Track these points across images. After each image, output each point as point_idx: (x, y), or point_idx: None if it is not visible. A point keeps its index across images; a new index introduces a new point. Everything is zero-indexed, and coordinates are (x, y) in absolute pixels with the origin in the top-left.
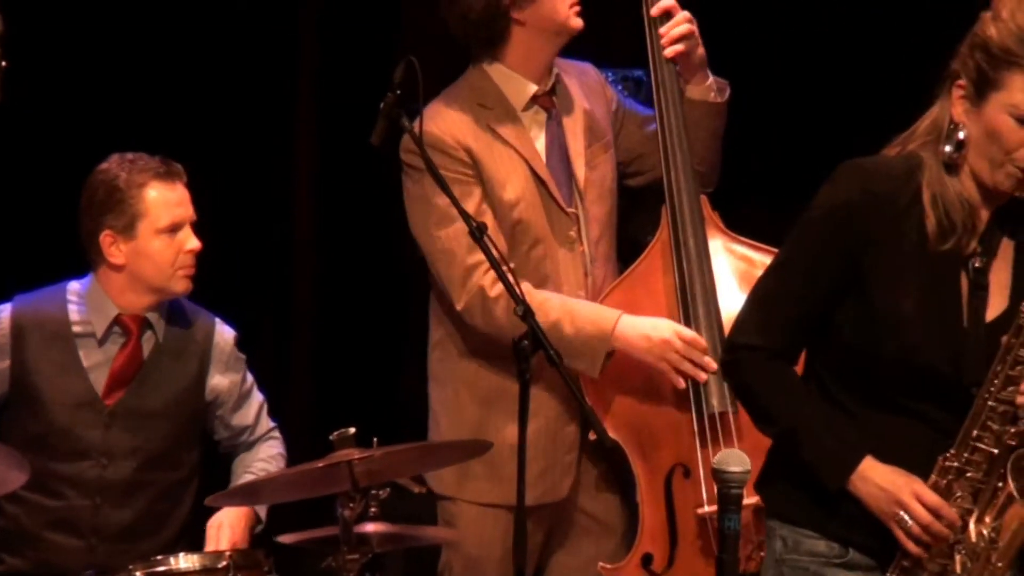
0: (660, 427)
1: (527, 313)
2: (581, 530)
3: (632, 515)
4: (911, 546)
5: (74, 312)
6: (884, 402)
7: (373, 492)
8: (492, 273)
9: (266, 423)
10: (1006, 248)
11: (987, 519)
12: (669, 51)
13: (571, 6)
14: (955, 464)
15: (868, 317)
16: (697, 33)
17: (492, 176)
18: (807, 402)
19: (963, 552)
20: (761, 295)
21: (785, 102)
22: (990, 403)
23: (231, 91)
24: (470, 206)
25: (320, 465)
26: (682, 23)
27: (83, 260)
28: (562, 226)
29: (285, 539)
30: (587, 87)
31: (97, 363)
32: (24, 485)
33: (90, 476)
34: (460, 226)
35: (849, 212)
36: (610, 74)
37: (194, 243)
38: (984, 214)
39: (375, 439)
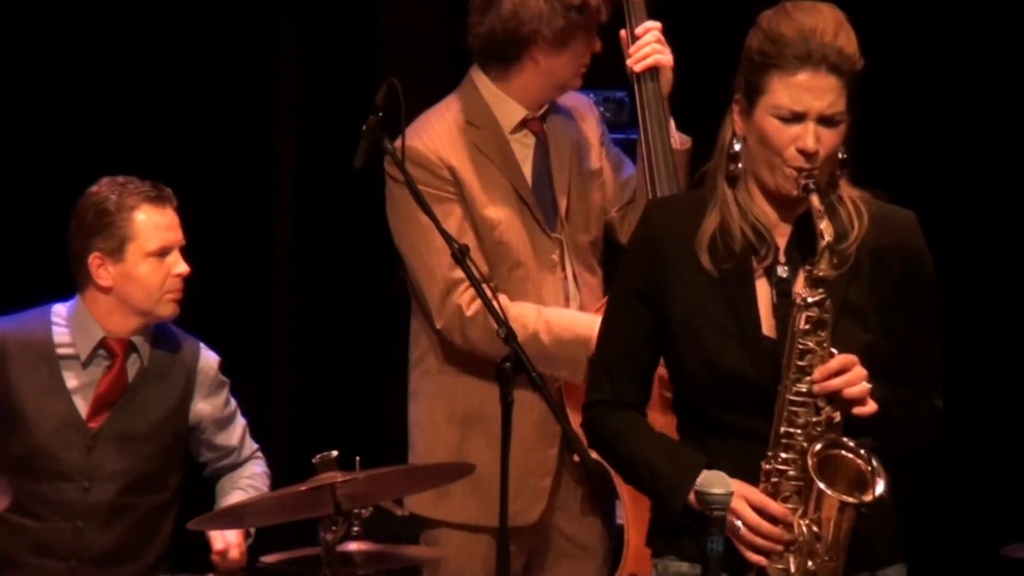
0: None
1: (509, 336)
2: (563, 553)
3: (613, 539)
4: (750, 554)
5: (59, 334)
6: (717, 425)
7: (356, 514)
8: (471, 291)
9: (250, 445)
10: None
11: (809, 512)
12: (639, 66)
13: (583, 68)
14: (775, 465)
15: (676, 346)
16: (670, 60)
17: (475, 195)
18: (644, 438)
19: (794, 551)
20: (596, 349)
21: None
22: (789, 398)
23: (211, 115)
24: (451, 224)
25: (303, 488)
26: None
27: (68, 283)
28: (544, 250)
29: (268, 559)
30: (579, 117)
31: (81, 385)
32: (6, 508)
33: (72, 499)
34: (442, 243)
35: (642, 249)
36: (592, 95)
37: (182, 267)
38: (784, 224)
39: (358, 459)
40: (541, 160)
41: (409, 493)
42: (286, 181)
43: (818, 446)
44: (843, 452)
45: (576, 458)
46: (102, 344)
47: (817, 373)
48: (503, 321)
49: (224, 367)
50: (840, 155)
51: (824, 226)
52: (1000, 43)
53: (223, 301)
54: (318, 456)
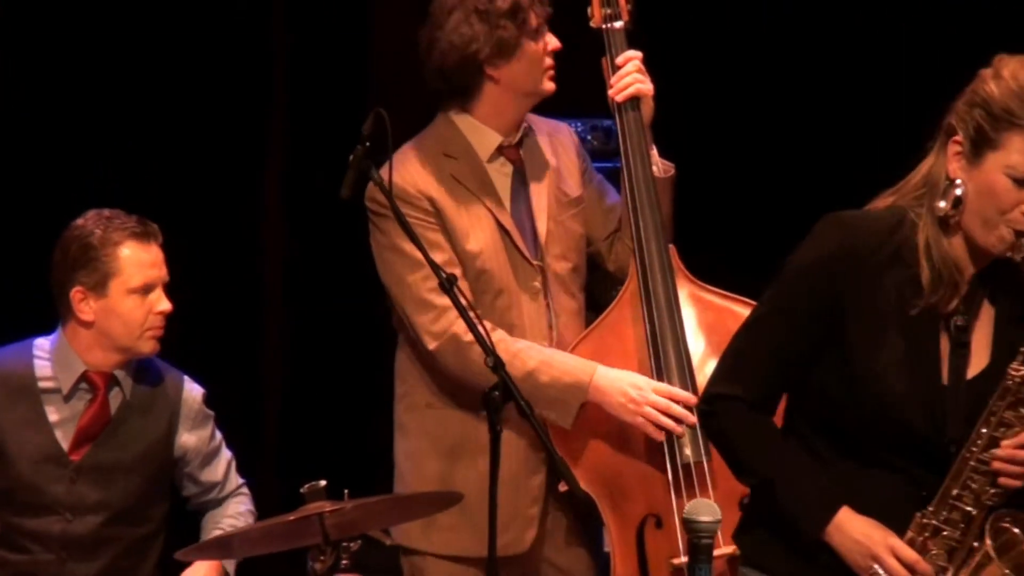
0: (631, 477)
1: (498, 364)
2: None
3: (600, 567)
4: None
5: (41, 368)
6: (862, 455)
7: (344, 544)
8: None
9: (235, 480)
10: (987, 308)
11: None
12: (620, 96)
13: (546, 69)
14: (933, 521)
15: (846, 372)
16: (650, 89)
17: (456, 226)
18: (785, 452)
19: None
20: (740, 346)
21: (752, 154)
22: (971, 463)
23: (201, 145)
24: (438, 256)
25: (291, 518)
26: (635, 73)
27: (52, 316)
28: (526, 276)
29: None
30: (559, 145)
31: (63, 419)
32: None
33: (55, 531)
34: (428, 270)
35: (828, 268)
36: (579, 124)
37: (165, 305)
38: (968, 273)
39: (346, 492)
40: (519, 187)
41: (398, 522)
42: (275, 210)
43: (1002, 515)
44: (1016, 528)
45: (562, 488)
46: (84, 378)
47: (1008, 442)
48: (491, 350)
49: (209, 399)
50: None
51: None
52: None
53: (212, 332)
54: (306, 486)
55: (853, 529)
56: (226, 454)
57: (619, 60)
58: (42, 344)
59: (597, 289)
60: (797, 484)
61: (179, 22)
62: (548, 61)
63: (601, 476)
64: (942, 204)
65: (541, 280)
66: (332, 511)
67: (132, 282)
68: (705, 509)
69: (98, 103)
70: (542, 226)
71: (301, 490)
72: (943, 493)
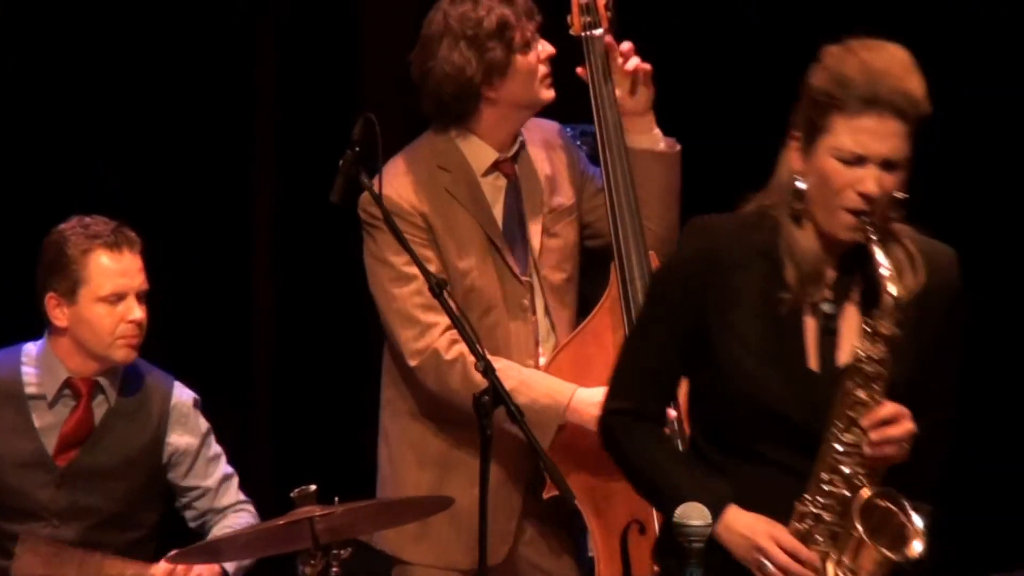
0: (613, 485)
1: (488, 369)
2: None
3: (584, 572)
4: None
5: (27, 374)
6: (746, 453)
7: (335, 552)
8: (448, 336)
9: (235, 494)
10: (855, 295)
11: (845, 560)
12: (629, 65)
13: (543, 77)
14: (811, 509)
15: (716, 369)
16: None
17: (446, 242)
18: (672, 460)
19: None
20: (621, 359)
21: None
22: (835, 445)
23: (189, 149)
24: (430, 269)
25: (281, 522)
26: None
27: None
28: (515, 294)
29: None
30: (551, 148)
31: (49, 425)
32: None
33: (42, 537)
34: (416, 286)
35: (688, 271)
36: (568, 129)
37: (136, 314)
38: (831, 262)
39: (336, 499)
40: (513, 202)
41: (387, 527)
42: (265, 216)
43: (866, 495)
44: (887, 504)
45: (546, 495)
46: (67, 384)
47: (866, 420)
48: (480, 354)
49: (202, 405)
50: (897, 195)
51: (890, 279)
52: None
53: (202, 336)
54: (296, 490)
55: (739, 525)
56: (224, 468)
57: (624, 48)
58: (29, 350)
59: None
60: (684, 489)
61: (167, 25)
62: (543, 70)
63: (584, 483)
64: (790, 200)
65: (530, 298)
66: (323, 515)
67: (101, 291)
68: (695, 513)
69: (88, 107)
70: (536, 240)
71: (291, 494)
72: (814, 479)
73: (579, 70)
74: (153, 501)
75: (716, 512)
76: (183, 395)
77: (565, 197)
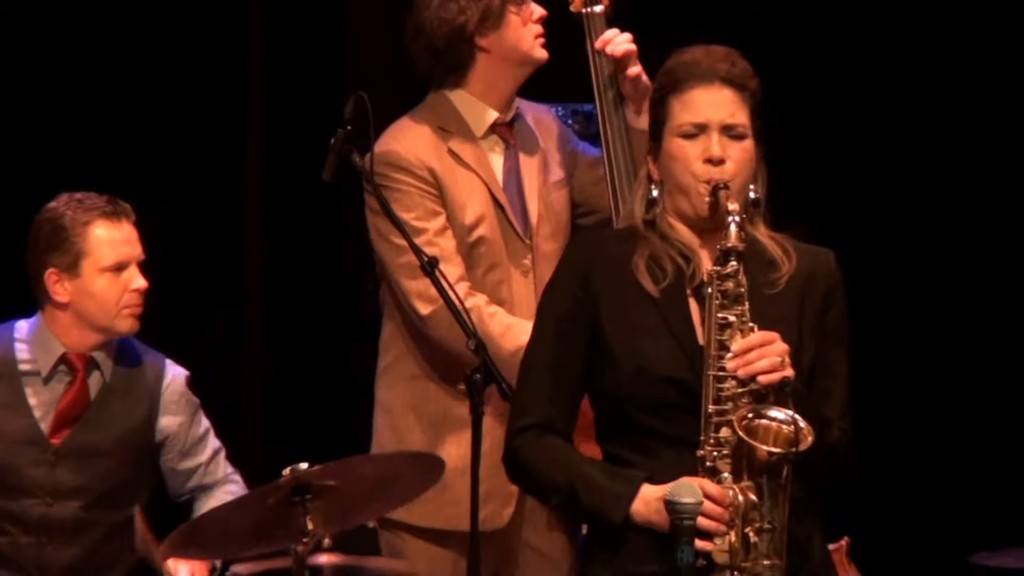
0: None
1: (480, 347)
2: (528, 566)
3: (578, 550)
4: (699, 542)
5: (20, 351)
6: (656, 440)
7: None
8: (462, 287)
9: (223, 468)
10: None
11: (744, 479)
12: (611, 50)
13: (536, 36)
14: (709, 450)
15: (611, 355)
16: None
17: (453, 198)
18: (580, 461)
19: (735, 525)
20: (520, 377)
21: None
22: (712, 374)
23: (180, 126)
24: (434, 223)
25: (271, 501)
26: (628, 43)
27: (32, 299)
28: (518, 252)
29: (239, 570)
30: (543, 127)
31: (43, 402)
32: None
33: (34, 514)
34: (423, 238)
35: (573, 277)
36: (559, 108)
37: (140, 282)
38: (707, 249)
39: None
40: (511, 166)
41: (384, 511)
42: (256, 191)
43: (745, 413)
44: (768, 421)
45: None
46: (62, 360)
47: (737, 346)
48: (472, 332)
49: (193, 382)
50: (753, 193)
51: (732, 205)
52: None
53: (192, 313)
54: (288, 468)
55: (654, 494)
56: (213, 442)
57: (598, 44)
58: (21, 327)
59: None
60: (594, 481)
61: (159, 2)
62: (536, 28)
63: None
64: (644, 209)
65: (531, 258)
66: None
67: (104, 261)
68: (687, 491)
69: (76, 87)
70: (533, 206)
71: (283, 472)
72: (704, 417)
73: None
74: (144, 479)
75: (631, 492)
76: (176, 373)
77: (556, 172)
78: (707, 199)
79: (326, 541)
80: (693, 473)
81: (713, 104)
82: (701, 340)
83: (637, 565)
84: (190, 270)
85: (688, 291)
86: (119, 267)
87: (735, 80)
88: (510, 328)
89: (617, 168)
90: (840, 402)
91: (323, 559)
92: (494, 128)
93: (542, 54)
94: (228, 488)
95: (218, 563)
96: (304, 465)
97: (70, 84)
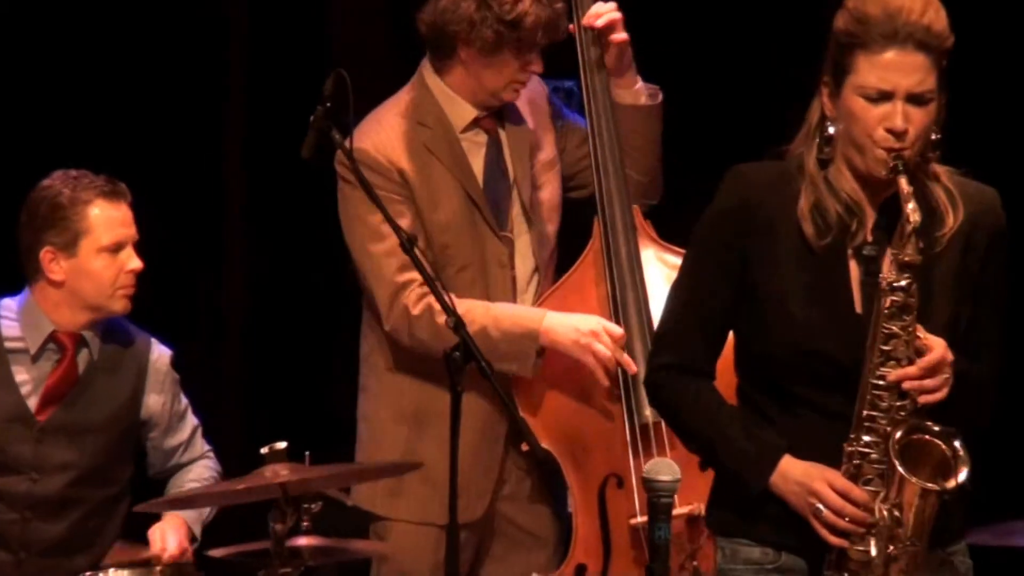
0: (592, 437)
1: (458, 324)
2: (512, 543)
3: (563, 527)
4: (830, 537)
5: (8, 328)
6: (797, 401)
7: (305, 506)
8: (416, 291)
9: (201, 445)
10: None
11: (891, 496)
12: (597, 22)
13: (514, 82)
14: (857, 448)
15: (762, 318)
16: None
17: (423, 197)
18: (723, 412)
19: (875, 534)
20: (665, 315)
21: (722, 114)
22: (872, 381)
23: (160, 107)
24: (401, 225)
25: (242, 487)
26: (613, 11)
27: (17, 277)
28: (494, 251)
29: (216, 553)
30: (532, 102)
31: (31, 379)
32: None
33: (20, 490)
34: (390, 245)
35: (726, 221)
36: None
37: (136, 263)
38: (872, 206)
39: (308, 454)
40: (494, 158)
41: (359, 482)
42: (236, 172)
43: (900, 431)
44: (927, 437)
45: (524, 447)
46: (52, 338)
47: (915, 369)
48: (451, 310)
49: (175, 361)
50: (933, 136)
51: (911, 210)
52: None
53: (173, 293)
54: (267, 448)
55: (794, 473)
56: (192, 419)
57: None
58: (9, 305)
59: None
60: (737, 441)
61: None
62: (522, 77)
63: (563, 436)
64: (819, 144)
65: (509, 253)
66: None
67: (102, 241)
68: (664, 468)
69: (57, 66)
70: (525, 193)
71: (262, 451)
72: (856, 417)
73: (571, 27)
74: (128, 457)
75: (772, 463)
76: (162, 352)
77: (547, 151)
78: (883, 168)
79: (305, 523)
80: (835, 446)
81: (903, 71)
82: (859, 308)
83: (770, 533)
84: (171, 248)
85: (850, 250)
86: (117, 247)
87: (931, 44)
88: (466, 314)
89: (601, 146)
90: (994, 360)
91: (302, 541)
92: (476, 122)
93: (510, 97)
94: (204, 464)
95: (197, 532)
96: (282, 444)
97: (46, 65)
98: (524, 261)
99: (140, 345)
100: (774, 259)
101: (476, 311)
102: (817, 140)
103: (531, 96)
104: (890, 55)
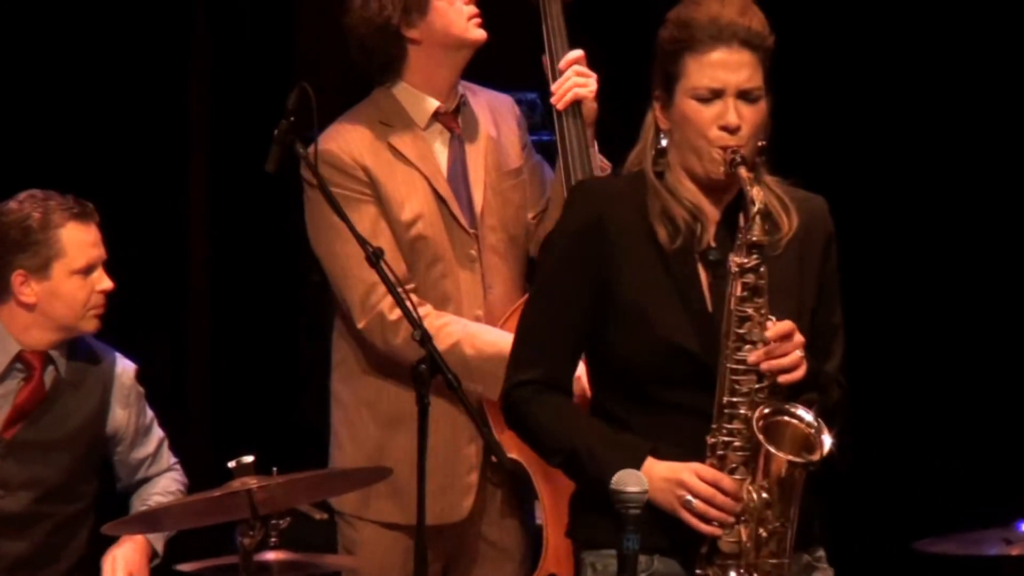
0: None
1: (424, 338)
2: (480, 557)
3: (531, 540)
4: (703, 526)
5: None
6: (657, 405)
7: (273, 521)
8: (391, 296)
9: (167, 458)
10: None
11: (758, 479)
12: (561, 104)
13: (469, 18)
14: (721, 438)
15: (621, 323)
16: (592, 90)
17: (390, 195)
18: (582, 423)
19: (746, 521)
20: (522, 329)
21: None
22: (730, 366)
23: (122, 120)
24: (365, 224)
25: (217, 494)
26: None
27: None
28: (462, 245)
29: (184, 568)
30: (498, 115)
31: None
32: None
33: None
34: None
35: (579, 236)
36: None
37: (106, 284)
38: (714, 208)
39: (275, 469)
40: (456, 155)
41: (327, 496)
42: (200, 185)
43: (764, 410)
44: (787, 418)
45: (493, 459)
46: (18, 358)
47: (771, 332)
48: (418, 323)
49: (139, 375)
50: (759, 142)
51: (755, 192)
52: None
53: (138, 307)
54: (234, 461)
55: (659, 470)
56: (158, 432)
57: (561, 65)
58: None
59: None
60: (598, 449)
61: None
62: (469, 9)
63: None
64: (654, 157)
65: (477, 249)
66: (260, 487)
67: (75, 264)
68: (632, 479)
69: (19, 80)
70: (478, 196)
71: (229, 464)
72: (717, 406)
73: (544, 59)
74: (93, 473)
75: (636, 465)
76: (126, 367)
77: (511, 160)
78: (721, 166)
79: (273, 539)
80: (697, 444)
81: (731, 68)
82: (710, 308)
83: (643, 538)
84: (135, 262)
85: (696, 254)
86: (89, 269)
87: (754, 42)
88: (441, 330)
89: (572, 153)
90: (839, 357)
91: (271, 556)
92: (437, 117)
93: (478, 34)
94: (171, 476)
95: (159, 548)
96: (249, 458)
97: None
98: (491, 259)
99: (105, 360)
100: (629, 267)
101: (453, 327)
102: (652, 153)
103: (496, 107)
104: (717, 54)
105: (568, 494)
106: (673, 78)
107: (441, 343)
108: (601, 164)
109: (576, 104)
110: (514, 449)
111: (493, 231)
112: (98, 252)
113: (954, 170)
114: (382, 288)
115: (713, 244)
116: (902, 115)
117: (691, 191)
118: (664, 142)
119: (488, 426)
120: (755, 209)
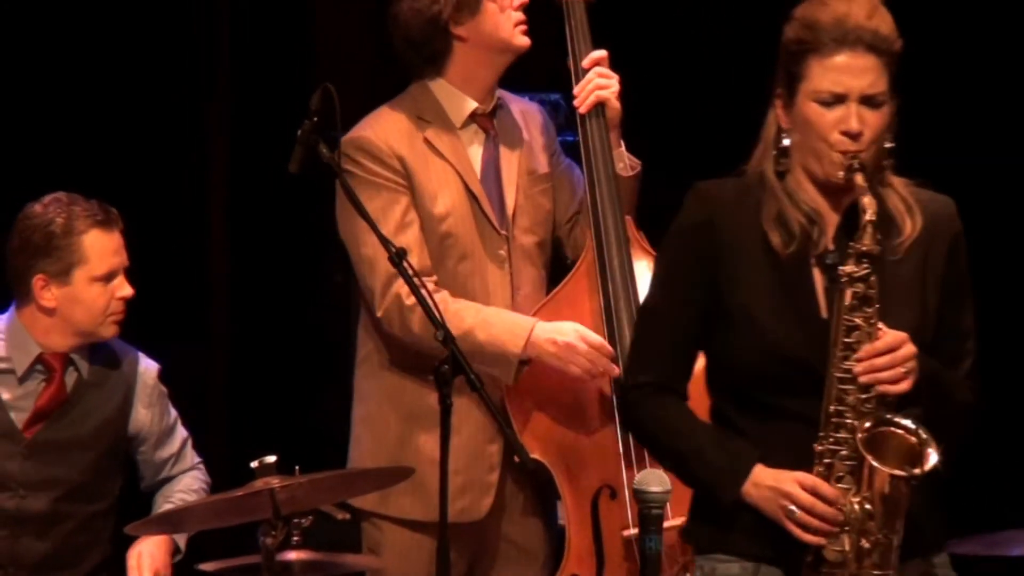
0: (586, 448)
1: (448, 338)
2: (503, 557)
3: (554, 540)
4: (805, 535)
5: None
6: (769, 411)
7: (296, 520)
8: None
9: (191, 457)
10: None
11: (862, 491)
12: (583, 108)
13: (516, 24)
14: (827, 446)
15: (732, 330)
16: (614, 91)
17: (423, 188)
18: (693, 427)
19: (849, 531)
20: (637, 333)
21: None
22: (837, 376)
23: (144, 121)
24: (396, 213)
25: (240, 493)
26: (595, 79)
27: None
28: (493, 244)
29: (207, 567)
30: (530, 122)
31: (17, 398)
32: None
33: (9, 507)
34: (386, 228)
35: (695, 236)
36: (527, 98)
37: (127, 291)
38: (833, 213)
39: (297, 468)
40: (490, 157)
41: (349, 497)
42: (221, 186)
43: (867, 423)
44: (892, 429)
45: (516, 459)
46: (39, 360)
47: (863, 352)
48: (440, 324)
49: (162, 375)
50: (886, 144)
51: (867, 201)
52: None
53: (159, 308)
54: (256, 461)
55: (765, 479)
56: (182, 432)
57: (585, 63)
58: None
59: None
60: (708, 453)
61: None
62: (516, 15)
63: (556, 447)
64: (776, 156)
65: (507, 249)
66: (283, 486)
67: (97, 271)
68: (655, 480)
69: (40, 85)
70: (510, 198)
71: (251, 465)
72: (824, 415)
73: (569, 64)
74: (116, 471)
75: (745, 472)
76: (149, 367)
77: (541, 165)
78: (840, 170)
79: (296, 538)
80: (808, 452)
81: (855, 74)
82: (824, 313)
83: (746, 545)
84: (157, 262)
85: (812, 259)
86: (110, 276)
87: (880, 47)
88: (456, 314)
89: (594, 156)
90: (968, 363)
91: (292, 555)
92: (474, 118)
93: (523, 41)
94: (194, 474)
95: (181, 545)
96: (271, 458)
97: (27, 77)
98: (520, 261)
99: (128, 360)
100: (741, 271)
101: (467, 311)
102: (774, 153)
103: (528, 111)
104: (841, 58)
105: (591, 495)
106: (796, 78)
107: (455, 327)
108: (630, 163)
109: (599, 106)
110: (536, 449)
111: (524, 234)
112: (120, 259)
113: None
114: (401, 278)
115: (831, 247)
116: None
117: (810, 193)
118: (787, 141)
119: (511, 426)
120: (866, 218)
